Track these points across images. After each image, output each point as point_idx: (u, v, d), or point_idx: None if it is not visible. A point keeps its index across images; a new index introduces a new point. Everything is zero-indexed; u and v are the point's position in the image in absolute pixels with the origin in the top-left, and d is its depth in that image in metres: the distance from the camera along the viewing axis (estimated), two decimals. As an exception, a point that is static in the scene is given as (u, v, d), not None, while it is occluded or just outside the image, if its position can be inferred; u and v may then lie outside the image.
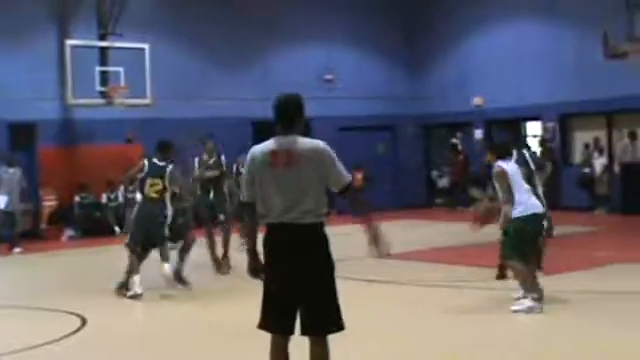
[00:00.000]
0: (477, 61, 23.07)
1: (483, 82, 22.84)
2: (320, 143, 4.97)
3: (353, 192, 5.02)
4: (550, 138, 21.50)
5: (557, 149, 21.39)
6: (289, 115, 4.98)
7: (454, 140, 23.60)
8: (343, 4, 23.37)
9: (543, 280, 8.84)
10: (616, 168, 19.70)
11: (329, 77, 23.06)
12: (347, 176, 4.96)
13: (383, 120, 23.86)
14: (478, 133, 23.54)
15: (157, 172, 10.10)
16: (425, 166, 24.96)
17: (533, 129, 23.82)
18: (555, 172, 21.09)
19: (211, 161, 12.14)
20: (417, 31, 24.58)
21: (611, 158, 20.20)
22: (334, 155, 4.96)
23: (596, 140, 20.50)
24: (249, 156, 5.08)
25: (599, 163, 20.16)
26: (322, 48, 23.14)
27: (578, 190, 20.36)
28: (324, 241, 4.96)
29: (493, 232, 9.18)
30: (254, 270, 5.09)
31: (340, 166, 4.94)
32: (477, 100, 23.18)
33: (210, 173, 12.02)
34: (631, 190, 19.20)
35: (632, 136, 19.38)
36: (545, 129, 21.83)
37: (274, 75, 21.62)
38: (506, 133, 23.42)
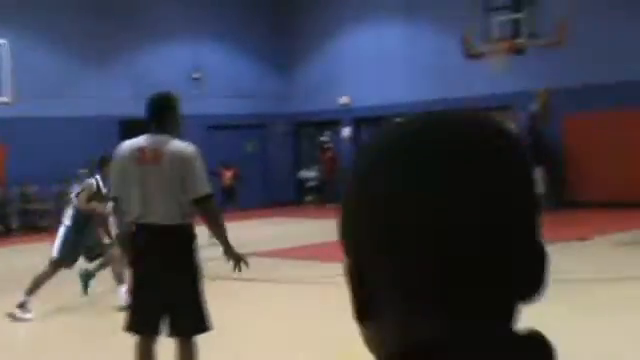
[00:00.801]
0: (343, 60, 23.43)
1: (349, 81, 23.23)
2: (190, 147, 4.91)
3: (210, 206, 4.92)
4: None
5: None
6: (159, 114, 4.95)
7: (323, 138, 23.90)
8: (210, 1, 23.24)
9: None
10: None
11: (197, 75, 22.89)
12: (206, 188, 4.87)
13: (252, 118, 23.89)
14: (346, 131, 23.93)
15: None
16: (295, 164, 25.16)
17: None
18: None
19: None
20: (285, 30, 24.71)
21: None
22: (200, 163, 4.88)
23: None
24: (117, 152, 5.02)
25: (460, 160, 20.84)
26: (190, 46, 22.93)
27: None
28: (188, 242, 4.90)
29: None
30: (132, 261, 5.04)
31: (201, 176, 4.85)
32: (344, 99, 23.56)
33: None
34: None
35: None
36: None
37: (142, 73, 21.27)
38: (373, 131, 23.96)
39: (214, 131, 22.09)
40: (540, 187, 18.50)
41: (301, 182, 24.90)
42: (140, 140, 4.93)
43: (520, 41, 15.88)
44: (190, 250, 4.91)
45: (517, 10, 16.36)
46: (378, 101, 22.36)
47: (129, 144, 4.96)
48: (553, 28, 15.16)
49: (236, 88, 23.42)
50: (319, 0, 23.95)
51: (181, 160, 4.81)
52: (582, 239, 12.84)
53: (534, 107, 19.28)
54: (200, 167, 4.87)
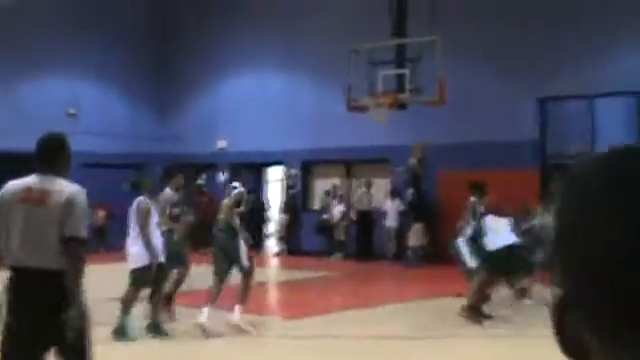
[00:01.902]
0: (223, 105, 23.34)
1: (228, 126, 23.13)
2: (78, 189, 4.74)
3: (79, 250, 4.62)
4: (292, 184, 22.12)
5: (298, 195, 22.08)
6: (48, 154, 4.80)
7: (199, 181, 23.60)
8: (92, 37, 22.76)
9: (279, 325, 8.92)
10: (353, 215, 20.55)
11: (73, 111, 22.26)
12: (81, 231, 4.64)
13: (129, 158, 23.30)
14: (222, 176, 23.71)
15: None
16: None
17: (275, 174, 24.42)
18: (295, 217, 21.83)
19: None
20: (166, 71, 24.45)
21: (348, 205, 21.09)
22: (84, 207, 4.70)
23: (334, 187, 21.29)
24: (3, 190, 4.77)
25: (337, 210, 20.94)
26: (67, 81, 22.32)
27: (317, 235, 21.01)
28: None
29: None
30: None
31: (82, 220, 4.66)
32: (221, 143, 23.41)
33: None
34: (366, 237, 20.12)
35: (368, 185, 20.31)
36: (288, 175, 22.42)
37: (16, 105, 20.52)
38: (250, 176, 23.85)
39: (89, 169, 21.41)
40: (418, 240, 18.77)
41: (174, 225, 24.41)
42: (28, 179, 4.75)
43: (403, 96, 16.16)
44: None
45: (401, 66, 16.68)
46: (255, 147, 22.34)
47: (17, 184, 4.75)
48: (434, 85, 15.53)
49: (113, 126, 22.90)
50: (201, 44, 23.84)
51: (67, 200, 4.63)
52: (459, 295, 13.00)
53: (411, 161, 19.71)
54: (83, 210, 4.69)
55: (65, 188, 4.69)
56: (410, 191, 19.53)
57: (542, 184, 18.06)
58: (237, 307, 9.49)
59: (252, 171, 23.94)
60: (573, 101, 17.98)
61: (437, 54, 15.36)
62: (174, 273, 10.45)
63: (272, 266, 20.64)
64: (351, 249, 20.39)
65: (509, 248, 10.29)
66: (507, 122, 18.26)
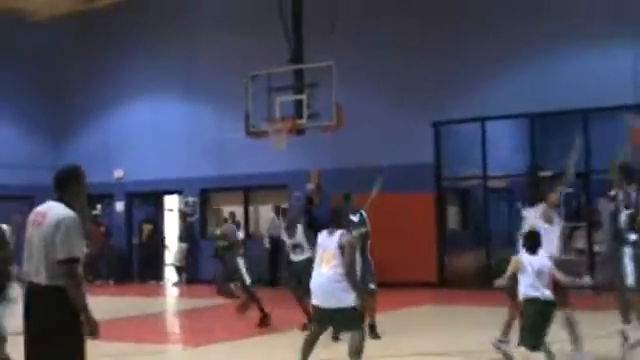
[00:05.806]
0: (119, 134, 23.03)
1: (125, 155, 22.84)
2: (68, 212, 5.14)
3: (72, 270, 5.04)
4: (190, 213, 21.95)
5: (196, 223, 21.92)
6: (58, 183, 5.33)
7: (95, 212, 23.15)
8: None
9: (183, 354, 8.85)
10: (266, 242, 20.13)
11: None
12: (73, 252, 5.06)
13: (23, 190, 22.52)
14: (119, 205, 23.37)
15: None
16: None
17: (173, 203, 24.17)
18: (193, 246, 21.61)
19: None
20: (61, 100, 23.99)
21: (248, 232, 20.98)
22: (73, 228, 5.09)
23: (232, 215, 21.17)
24: None
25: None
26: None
27: (216, 263, 20.81)
28: (56, 307, 5.01)
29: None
30: None
31: (73, 240, 5.06)
32: (118, 173, 23.08)
33: None
34: (273, 263, 19.82)
35: (277, 211, 20.05)
36: (186, 203, 22.23)
37: None
38: (148, 206, 23.55)
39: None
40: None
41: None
42: (41, 205, 5.36)
43: (301, 121, 16.28)
44: (69, 311, 5.04)
45: (299, 92, 16.80)
46: (152, 176, 22.13)
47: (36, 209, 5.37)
48: (331, 111, 15.71)
49: (5, 157, 22.21)
50: (96, 73, 23.48)
51: (57, 223, 5.08)
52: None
53: (309, 187, 19.84)
54: (72, 231, 5.08)
55: (58, 212, 5.14)
56: (306, 216, 19.53)
57: (437, 206, 18.48)
58: None
59: (151, 200, 23.64)
60: (466, 124, 18.46)
61: (333, 79, 15.57)
62: None
63: (171, 295, 20.40)
64: (265, 276, 19.95)
65: None
66: (402, 146, 18.61)
